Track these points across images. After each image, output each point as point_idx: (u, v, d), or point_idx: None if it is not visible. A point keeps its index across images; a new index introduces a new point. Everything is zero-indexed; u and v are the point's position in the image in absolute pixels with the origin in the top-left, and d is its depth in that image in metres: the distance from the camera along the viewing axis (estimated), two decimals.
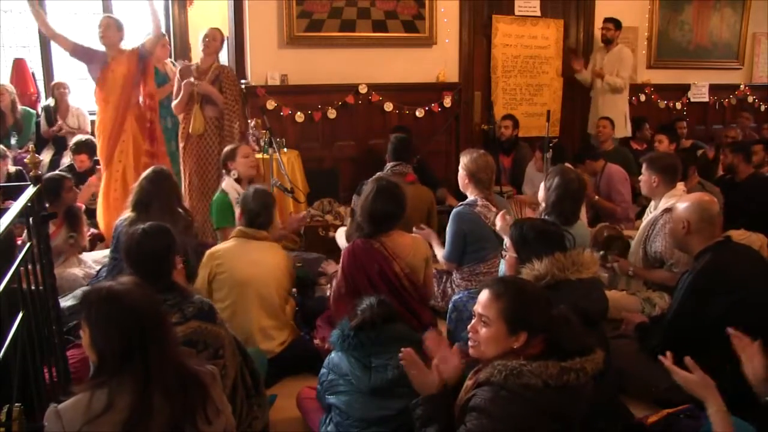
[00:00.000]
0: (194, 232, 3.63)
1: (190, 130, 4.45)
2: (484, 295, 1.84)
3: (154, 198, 3.21)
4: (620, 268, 3.51)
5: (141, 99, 4.58)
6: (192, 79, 4.38)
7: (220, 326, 2.25)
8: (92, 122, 5.85)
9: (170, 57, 6.00)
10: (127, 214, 3.27)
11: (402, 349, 2.00)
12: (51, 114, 5.77)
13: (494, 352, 1.78)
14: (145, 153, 4.56)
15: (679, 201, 2.88)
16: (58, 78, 6.22)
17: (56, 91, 5.79)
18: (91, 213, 4.74)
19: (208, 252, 3.00)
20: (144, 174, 3.38)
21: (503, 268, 2.91)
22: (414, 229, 3.56)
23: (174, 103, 4.52)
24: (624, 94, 6.28)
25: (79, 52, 4.46)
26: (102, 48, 4.47)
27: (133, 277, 1.72)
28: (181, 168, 4.64)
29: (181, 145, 4.59)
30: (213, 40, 4.45)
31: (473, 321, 1.85)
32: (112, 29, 4.42)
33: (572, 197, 3.17)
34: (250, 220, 3.03)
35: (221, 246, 3.04)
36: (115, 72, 4.43)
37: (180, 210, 3.38)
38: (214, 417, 1.63)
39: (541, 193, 3.34)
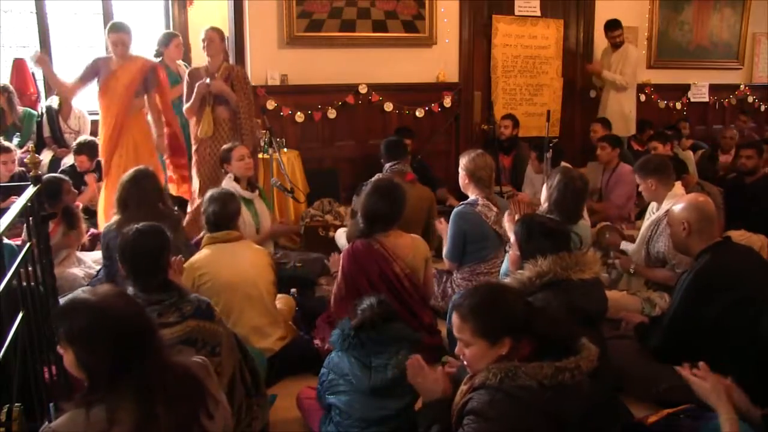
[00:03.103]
0: (183, 229, 3.62)
1: (198, 133, 4.38)
2: (453, 318, 1.82)
3: (131, 197, 3.19)
4: (622, 265, 3.51)
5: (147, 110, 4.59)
6: (207, 80, 4.30)
7: (218, 324, 2.25)
8: (92, 122, 5.88)
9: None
10: (114, 218, 3.27)
11: (410, 356, 2.01)
12: (54, 115, 5.76)
13: (486, 364, 1.77)
14: (179, 166, 4.66)
15: (674, 204, 2.88)
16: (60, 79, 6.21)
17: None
18: (92, 213, 4.74)
19: (186, 265, 2.88)
20: (125, 174, 3.37)
21: (504, 268, 2.92)
22: (435, 222, 3.70)
23: (185, 107, 4.43)
24: (629, 93, 6.26)
25: (88, 77, 4.44)
26: (101, 55, 4.47)
27: (110, 285, 1.65)
28: (193, 170, 4.56)
29: (194, 147, 4.51)
30: (211, 41, 4.36)
31: (458, 344, 1.83)
32: (121, 46, 4.40)
33: (574, 195, 3.16)
34: (212, 224, 2.98)
35: (197, 256, 2.95)
36: (119, 80, 4.41)
37: (165, 209, 3.34)
38: (214, 410, 1.61)
39: (543, 193, 3.34)
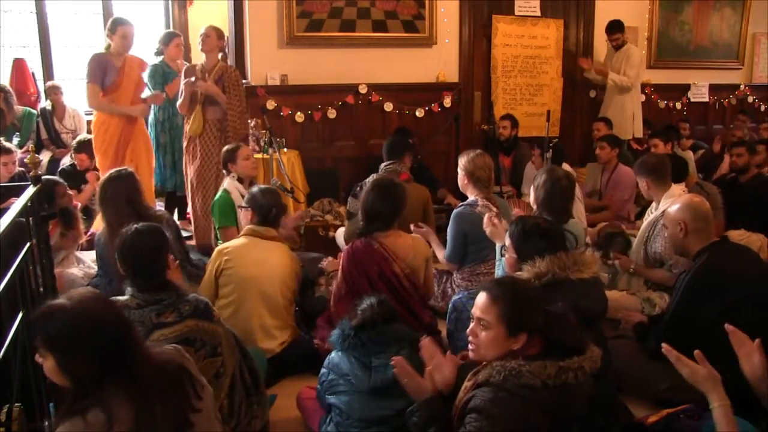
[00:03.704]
0: (176, 226, 3.71)
1: (187, 131, 4.45)
2: (481, 298, 1.82)
3: (102, 199, 3.23)
4: (621, 265, 3.51)
5: None
6: (192, 79, 4.34)
7: (217, 324, 2.25)
8: (88, 122, 5.87)
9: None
10: (103, 224, 3.31)
11: (393, 358, 2.00)
12: (48, 117, 5.77)
13: (494, 354, 1.78)
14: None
15: (670, 206, 2.88)
16: (57, 78, 6.22)
17: (51, 95, 5.78)
18: (90, 212, 4.73)
19: (217, 248, 3.08)
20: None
21: (500, 272, 2.92)
22: (412, 227, 3.50)
23: (178, 103, 4.50)
24: (632, 94, 6.21)
25: (100, 75, 4.44)
26: (97, 52, 4.49)
27: (86, 289, 1.66)
28: (184, 167, 4.63)
29: (184, 144, 4.58)
30: (206, 37, 4.40)
31: (472, 325, 1.84)
32: (130, 39, 4.47)
33: (561, 194, 3.14)
34: (262, 217, 3.06)
35: (231, 243, 3.08)
36: (129, 76, 4.50)
37: (142, 208, 3.35)
38: (201, 391, 1.62)
39: (531, 194, 3.32)
